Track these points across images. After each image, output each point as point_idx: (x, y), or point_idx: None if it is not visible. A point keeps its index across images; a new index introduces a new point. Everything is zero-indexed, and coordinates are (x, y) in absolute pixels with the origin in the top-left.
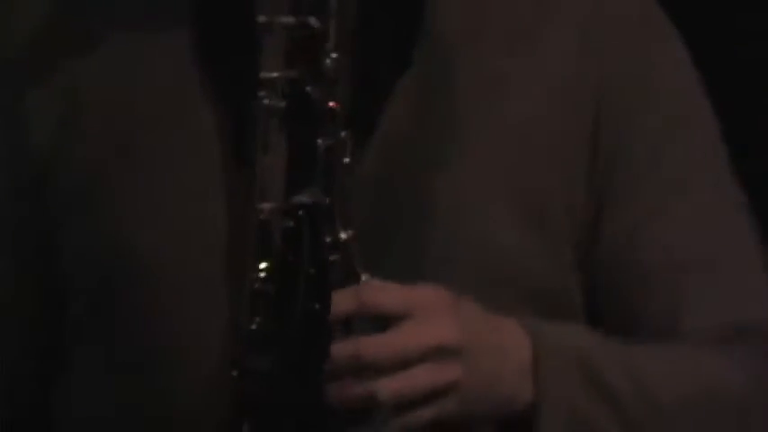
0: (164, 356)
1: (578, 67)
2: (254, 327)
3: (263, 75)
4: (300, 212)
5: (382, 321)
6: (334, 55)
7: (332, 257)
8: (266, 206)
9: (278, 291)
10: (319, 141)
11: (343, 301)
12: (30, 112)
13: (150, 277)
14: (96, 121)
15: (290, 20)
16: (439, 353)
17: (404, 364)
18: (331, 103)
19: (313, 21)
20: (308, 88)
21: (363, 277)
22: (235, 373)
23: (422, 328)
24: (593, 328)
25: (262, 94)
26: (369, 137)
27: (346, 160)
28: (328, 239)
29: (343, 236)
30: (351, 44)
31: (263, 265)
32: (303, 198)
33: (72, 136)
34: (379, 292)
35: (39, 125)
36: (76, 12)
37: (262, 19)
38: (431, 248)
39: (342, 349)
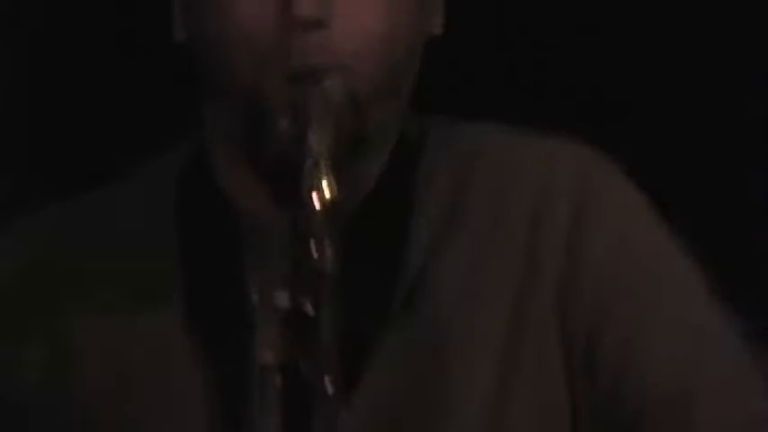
0: None
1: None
2: None
3: (259, 359)
4: None
5: None
6: (328, 338)
7: None
8: None
9: None
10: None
11: None
12: (16, 363)
13: None
14: (82, 374)
15: (284, 302)
16: None
17: None
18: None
19: (308, 307)
20: (302, 369)
21: None
22: None
23: None
24: None
25: (258, 365)
26: (352, 393)
27: None
28: None
29: None
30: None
31: None
32: None
33: (56, 388)
34: None
35: (24, 377)
36: (68, 263)
37: (255, 298)
38: None
39: None
